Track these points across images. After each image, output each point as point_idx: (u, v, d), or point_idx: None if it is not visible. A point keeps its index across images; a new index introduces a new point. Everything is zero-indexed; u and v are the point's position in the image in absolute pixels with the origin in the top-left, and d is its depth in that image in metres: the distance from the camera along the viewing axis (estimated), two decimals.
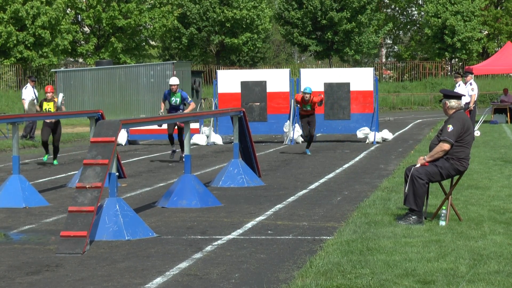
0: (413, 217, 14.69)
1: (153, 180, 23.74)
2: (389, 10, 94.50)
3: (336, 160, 28.20)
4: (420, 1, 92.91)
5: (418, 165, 14.88)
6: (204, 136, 36.85)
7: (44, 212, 17.82)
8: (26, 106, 38.26)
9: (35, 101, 37.71)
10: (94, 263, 12.58)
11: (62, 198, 19.63)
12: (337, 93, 36.31)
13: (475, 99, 37.04)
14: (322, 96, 32.35)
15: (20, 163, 20.04)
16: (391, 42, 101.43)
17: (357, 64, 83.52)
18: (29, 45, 73.15)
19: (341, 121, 36.39)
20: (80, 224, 13.48)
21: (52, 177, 24.77)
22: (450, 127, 14.54)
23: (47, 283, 11.43)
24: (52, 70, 67.55)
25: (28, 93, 38.39)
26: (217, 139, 36.97)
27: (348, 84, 36.43)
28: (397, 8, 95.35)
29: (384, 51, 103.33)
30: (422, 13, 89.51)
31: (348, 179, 23.00)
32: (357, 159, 28.76)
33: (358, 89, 36.27)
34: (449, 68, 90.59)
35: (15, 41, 72.80)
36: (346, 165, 26.69)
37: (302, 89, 31.28)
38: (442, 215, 14.74)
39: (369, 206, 16.94)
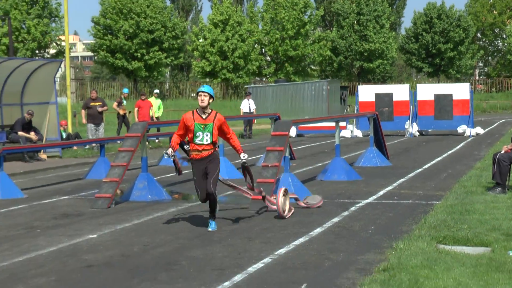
0: (499, 188, 14.35)
1: (313, 161, 23.74)
2: (481, 42, 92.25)
3: (443, 148, 27.69)
4: (504, 36, 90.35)
5: (502, 152, 14.54)
6: (349, 131, 36.69)
7: (240, 182, 18.01)
8: (241, 113, 38.17)
9: (251, 109, 37.83)
10: (265, 217, 12.68)
11: (253, 173, 19.80)
12: (443, 101, 35.73)
13: None
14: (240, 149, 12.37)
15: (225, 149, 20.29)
16: (482, 65, 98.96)
17: (458, 80, 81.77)
18: (229, 69, 74.20)
19: (446, 121, 35.80)
20: (264, 191, 13.58)
21: (247, 158, 25.00)
22: None
23: (243, 230, 11.55)
24: (245, 86, 68.24)
25: (244, 104, 38.20)
26: (358, 133, 36.75)
27: (451, 95, 35.81)
28: (487, 41, 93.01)
29: (477, 71, 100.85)
30: (506, 44, 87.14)
31: (451, 162, 22.58)
32: (457, 147, 28.18)
33: (458, 98, 35.64)
34: None
35: (220, 67, 73.96)
36: (450, 152, 26.19)
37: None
38: None
39: (466, 180, 16.61)
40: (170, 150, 11.64)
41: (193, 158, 11.63)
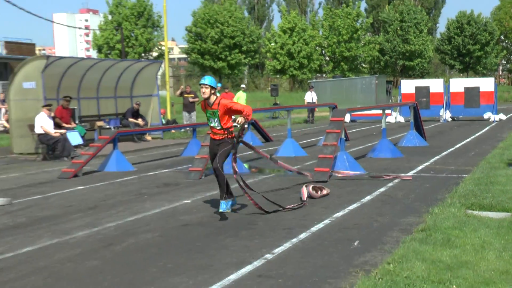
0: None
1: (364, 141, 23.57)
2: (504, 43, 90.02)
3: (471, 131, 27.22)
4: None
5: None
6: (393, 117, 36.31)
7: (305, 159, 18.01)
8: (306, 102, 38.23)
9: (314, 100, 37.85)
10: (334, 185, 12.66)
11: (314, 151, 19.77)
12: (472, 92, 35.09)
13: None
14: (245, 114, 9.89)
15: (292, 132, 20.32)
16: (505, 62, 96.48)
17: (484, 75, 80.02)
18: (296, 67, 74.08)
19: (474, 109, 35.19)
20: (325, 165, 13.57)
21: (310, 140, 24.99)
22: None
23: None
24: (309, 81, 67.95)
25: (308, 96, 38.30)
26: (401, 119, 36.35)
27: (478, 87, 35.14)
28: (509, 42, 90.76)
29: (500, 67, 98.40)
30: None
31: (478, 142, 22.19)
32: (483, 130, 27.65)
33: (484, 90, 34.94)
34: None
35: (288, 65, 73.85)
36: (477, 134, 25.73)
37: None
38: None
39: (491, 157, 16.31)
40: None
41: (210, 137, 10.45)
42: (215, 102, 10.12)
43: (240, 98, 33.47)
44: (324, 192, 11.76)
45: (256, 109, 32.44)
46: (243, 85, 35.93)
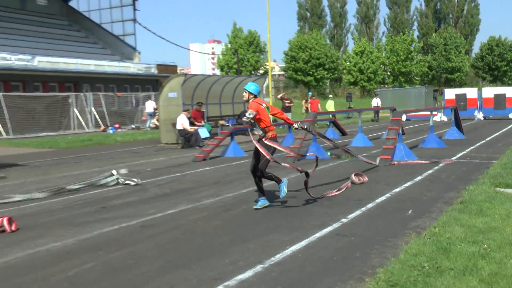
0: None
1: (416, 135, 22.81)
2: None
3: (499, 128, 25.81)
4: None
5: None
6: (439, 117, 35.00)
7: (371, 148, 17.62)
8: (372, 106, 37.50)
9: (378, 104, 37.07)
10: (395, 168, 12.33)
11: (379, 142, 19.33)
12: (500, 98, 33.39)
13: None
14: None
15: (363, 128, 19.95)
16: None
17: (509, 85, 75.78)
18: (365, 80, 72.93)
19: (501, 110, 33.45)
20: (386, 153, 13.24)
21: (375, 134, 24.44)
22: None
23: (373, 177, 11.30)
24: (375, 90, 66.53)
25: (374, 101, 37.60)
26: (444, 118, 34.95)
27: (505, 94, 33.39)
28: None
29: None
30: None
31: (505, 136, 21.03)
32: (508, 127, 26.13)
33: (509, 96, 33.18)
34: None
35: (359, 79, 72.73)
36: (504, 130, 24.36)
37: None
38: None
39: None
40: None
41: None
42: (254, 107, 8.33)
43: (330, 105, 33.90)
44: (364, 179, 10.59)
45: (337, 111, 32.14)
46: (330, 95, 35.82)
